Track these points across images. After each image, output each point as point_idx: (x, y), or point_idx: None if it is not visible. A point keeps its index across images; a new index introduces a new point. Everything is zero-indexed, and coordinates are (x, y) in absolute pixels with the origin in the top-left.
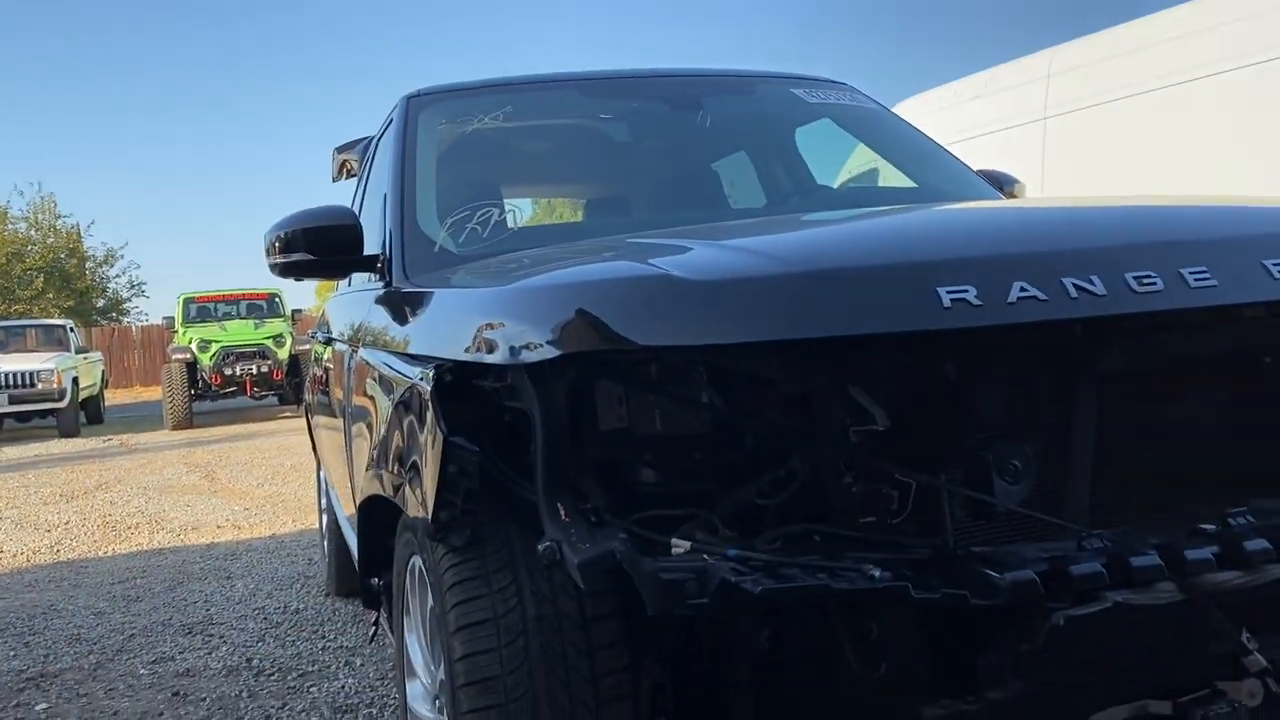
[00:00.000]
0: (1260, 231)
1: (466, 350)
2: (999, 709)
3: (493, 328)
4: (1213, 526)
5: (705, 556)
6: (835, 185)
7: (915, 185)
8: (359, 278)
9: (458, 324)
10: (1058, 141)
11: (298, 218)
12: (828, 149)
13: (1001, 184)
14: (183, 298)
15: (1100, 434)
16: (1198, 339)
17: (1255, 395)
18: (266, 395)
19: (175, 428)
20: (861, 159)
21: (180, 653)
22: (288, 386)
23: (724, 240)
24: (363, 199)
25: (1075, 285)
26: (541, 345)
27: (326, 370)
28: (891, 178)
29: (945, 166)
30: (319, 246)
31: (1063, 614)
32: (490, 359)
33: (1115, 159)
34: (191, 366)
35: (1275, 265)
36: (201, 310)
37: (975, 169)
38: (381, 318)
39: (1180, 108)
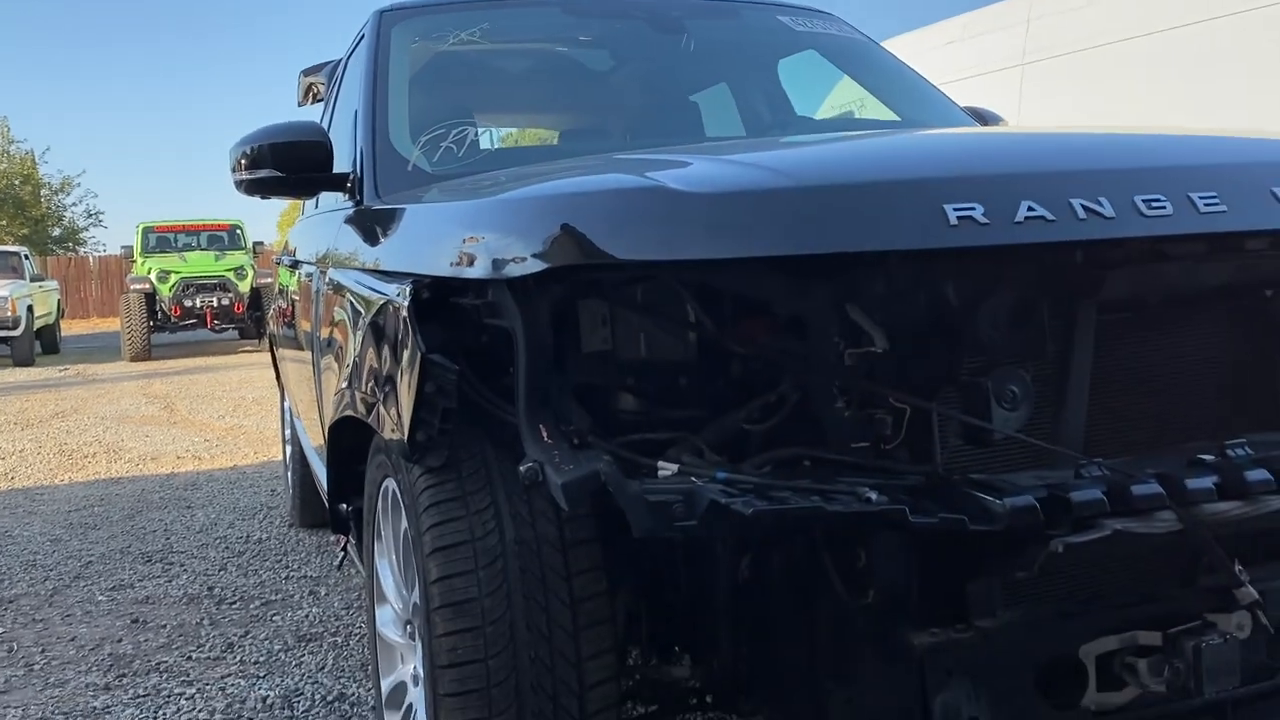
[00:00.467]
0: (1269, 159)
1: (448, 266)
2: (989, 638)
3: (474, 241)
4: (1212, 457)
5: (693, 479)
6: (816, 119)
7: (898, 119)
8: (327, 199)
9: (436, 239)
10: (1036, 88)
11: (265, 133)
12: (811, 81)
13: (987, 122)
14: (141, 227)
15: (1100, 362)
16: (1200, 270)
17: (1254, 328)
18: (227, 328)
19: (133, 359)
20: (839, 99)
21: (140, 580)
22: (249, 320)
23: (717, 156)
24: (331, 119)
25: (1084, 206)
26: (527, 259)
27: (292, 298)
28: (875, 112)
29: (931, 101)
30: (287, 163)
31: (1061, 541)
32: (471, 274)
33: (1092, 107)
34: (150, 297)
35: None
36: (161, 240)
37: (961, 106)
38: (352, 237)
39: (1160, 57)
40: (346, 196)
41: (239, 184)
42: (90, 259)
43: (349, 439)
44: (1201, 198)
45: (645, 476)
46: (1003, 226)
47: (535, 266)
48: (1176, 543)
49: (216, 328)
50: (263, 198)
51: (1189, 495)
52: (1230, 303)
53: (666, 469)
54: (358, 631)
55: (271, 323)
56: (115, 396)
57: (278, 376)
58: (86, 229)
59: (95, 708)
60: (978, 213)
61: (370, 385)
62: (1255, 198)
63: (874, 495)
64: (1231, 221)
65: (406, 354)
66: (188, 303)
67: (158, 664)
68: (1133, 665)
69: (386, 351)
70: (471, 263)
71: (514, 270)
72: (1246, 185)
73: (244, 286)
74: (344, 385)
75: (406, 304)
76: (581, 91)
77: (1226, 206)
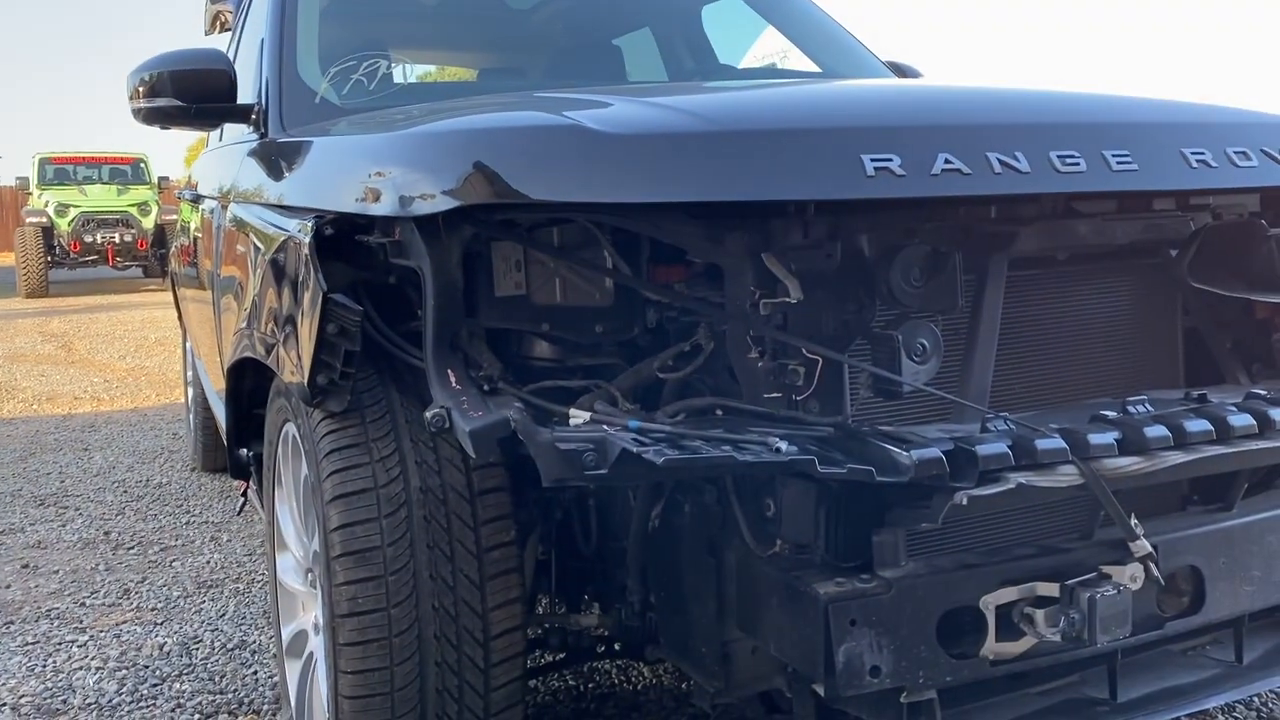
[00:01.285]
0: (1179, 120)
1: (354, 201)
2: (893, 588)
3: (381, 176)
4: (1114, 413)
5: (605, 427)
6: (739, 67)
7: (820, 70)
8: (232, 131)
9: (341, 174)
10: None
11: (165, 59)
12: (734, 29)
13: (907, 75)
14: (38, 157)
15: (1009, 317)
16: (1109, 228)
17: (1157, 287)
18: (130, 266)
19: (29, 296)
20: (763, 49)
21: (31, 524)
22: (152, 257)
23: (638, 98)
24: (237, 49)
25: (1000, 160)
26: (437, 196)
27: (194, 235)
28: (797, 63)
29: (853, 53)
30: (188, 92)
31: (965, 494)
32: (377, 210)
33: None
34: (48, 231)
35: (1194, 154)
36: (59, 172)
37: (883, 60)
38: (255, 171)
39: None
40: (251, 129)
41: (136, 112)
42: None
43: (249, 381)
44: (1114, 155)
45: (556, 424)
46: (919, 178)
47: (445, 204)
48: (1077, 496)
49: (118, 265)
50: (162, 128)
51: (1091, 450)
52: (1136, 261)
53: (578, 417)
54: (260, 578)
55: (173, 260)
56: (9, 334)
57: (179, 316)
58: None
59: None
60: (895, 164)
61: (270, 326)
62: (1165, 158)
63: (784, 445)
64: (1142, 180)
65: (308, 294)
66: (88, 238)
67: (48, 610)
68: (1030, 615)
69: (287, 291)
70: (378, 199)
71: (423, 208)
72: (1157, 146)
73: (148, 223)
74: (243, 326)
75: (308, 241)
76: (501, 29)
77: (1138, 165)
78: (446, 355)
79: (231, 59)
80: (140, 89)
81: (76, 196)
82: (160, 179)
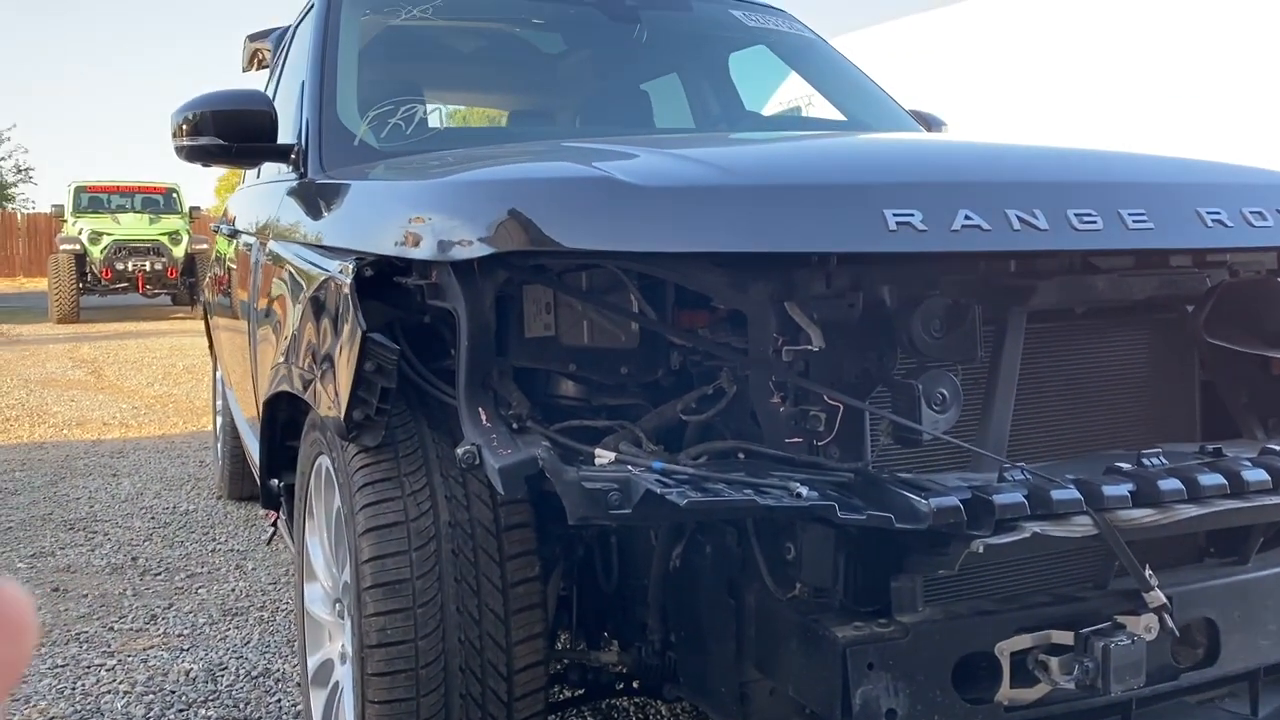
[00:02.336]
0: (1196, 180)
1: (393, 245)
2: (910, 633)
3: (421, 222)
4: (1129, 465)
5: (629, 468)
6: (763, 114)
7: (845, 119)
8: (269, 169)
9: (382, 217)
10: None
11: (209, 99)
12: (760, 76)
13: (931, 125)
14: (74, 186)
15: (1027, 369)
16: (1125, 283)
17: (1173, 343)
18: (159, 294)
19: (60, 321)
20: (788, 95)
21: (61, 548)
22: (182, 286)
23: (666, 150)
24: (276, 88)
25: (1019, 217)
26: (474, 242)
27: (229, 267)
28: (822, 111)
29: (877, 103)
30: (230, 131)
31: (982, 542)
32: (416, 254)
33: None
34: (80, 258)
35: (1209, 213)
36: (94, 200)
37: (906, 109)
38: (295, 210)
39: None
40: (290, 168)
41: (179, 150)
42: (18, 216)
43: (284, 414)
44: (1130, 214)
45: (582, 463)
46: (940, 233)
47: (482, 250)
48: (1092, 546)
49: (148, 293)
50: (204, 165)
51: (1105, 501)
52: (1152, 316)
53: (604, 457)
54: (284, 607)
55: (207, 290)
56: (40, 359)
57: (210, 345)
58: (15, 185)
59: None
60: (916, 219)
61: (308, 361)
62: (1181, 217)
63: (805, 490)
64: (1158, 238)
65: (346, 331)
66: (119, 265)
67: (78, 634)
68: (1045, 663)
69: (326, 328)
70: (417, 243)
71: (460, 253)
72: (1173, 204)
73: (178, 252)
74: (281, 360)
75: (349, 281)
76: (533, 74)
77: (1154, 224)
78: (478, 394)
79: (271, 96)
80: (184, 127)
81: (110, 224)
82: (191, 209)
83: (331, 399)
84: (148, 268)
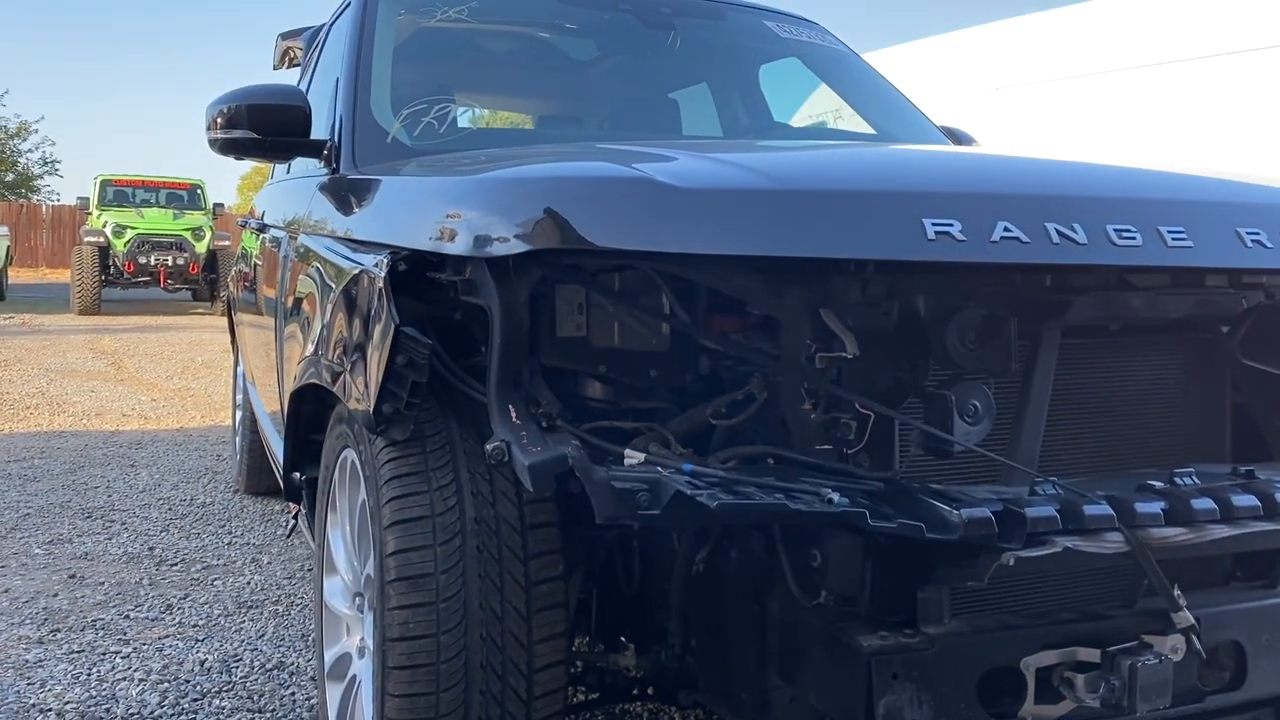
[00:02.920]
0: (1236, 200)
1: (428, 240)
2: (936, 644)
3: (457, 217)
4: (1161, 484)
5: (659, 469)
6: (792, 125)
7: (874, 132)
8: (300, 165)
9: (417, 212)
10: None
11: (244, 93)
12: (790, 88)
13: (960, 141)
14: (99, 179)
15: (1060, 384)
16: (1162, 301)
17: (1208, 363)
18: (181, 289)
19: (82, 312)
20: (816, 107)
21: (79, 536)
22: (203, 282)
23: (703, 153)
24: (309, 86)
25: (1058, 231)
26: (510, 239)
27: (255, 262)
28: (851, 124)
29: (908, 117)
30: (264, 125)
31: (1013, 555)
32: (452, 249)
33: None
34: (104, 251)
35: (1249, 233)
36: (119, 194)
37: (937, 125)
38: (327, 205)
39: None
40: (322, 164)
41: (213, 142)
42: (43, 207)
43: (309, 407)
44: (1170, 232)
45: (612, 464)
46: (978, 244)
47: (518, 247)
48: (1122, 564)
49: (170, 288)
50: (236, 158)
51: (1138, 519)
52: (1187, 336)
53: (634, 457)
54: (300, 601)
55: (231, 285)
56: (61, 349)
57: (233, 340)
58: (41, 177)
59: (28, 661)
60: (955, 229)
61: (338, 354)
62: (1220, 236)
63: (836, 496)
64: (1196, 257)
65: (379, 325)
66: (142, 260)
67: (94, 621)
68: (1071, 680)
69: (357, 321)
70: (453, 238)
71: (496, 249)
72: (1213, 223)
73: (201, 247)
74: (309, 353)
75: (383, 275)
76: (564, 79)
77: (1193, 242)
78: (509, 391)
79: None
80: (218, 120)
81: (134, 219)
82: (215, 205)
83: (361, 392)
84: (170, 262)
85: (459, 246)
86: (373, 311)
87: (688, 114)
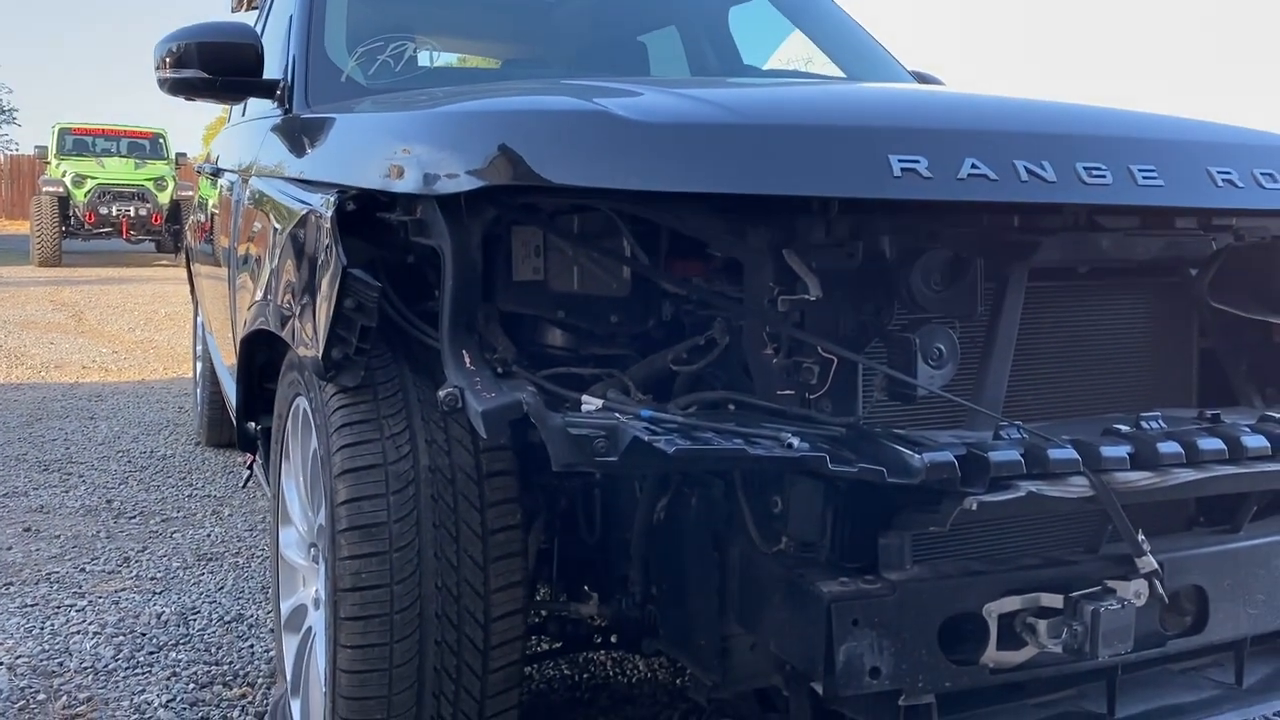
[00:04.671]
0: (1207, 139)
1: (378, 178)
2: (896, 590)
3: (406, 154)
4: (1127, 428)
5: (617, 415)
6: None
7: (844, 75)
8: (255, 106)
9: (366, 150)
10: None
11: (194, 30)
12: (760, 31)
13: (930, 84)
14: (58, 127)
15: (1026, 327)
16: (1130, 243)
17: (1175, 306)
18: (143, 240)
19: (42, 264)
20: (787, 53)
21: (35, 489)
22: (166, 233)
23: (668, 88)
24: (265, 25)
25: (1026, 168)
26: (460, 176)
27: (211, 211)
28: (821, 68)
29: (879, 61)
30: (215, 64)
31: (975, 499)
32: (400, 187)
33: None
34: (64, 201)
35: (1220, 173)
36: (78, 143)
37: (908, 68)
38: (278, 146)
39: None
40: (275, 104)
41: (162, 82)
42: (1, 157)
43: (261, 355)
44: (1140, 170)
45: (569, 410)
46: (945, 181)
47: (469, 184)
48: (1086, 508)
49: (132, 238)
50: (187, 99)
51: (1103, 462)
52: (1156, 279)
53: (591, 403)
54: (260, 553)
55: (189, 235)
56: (20, 301)
57: (192, 291)
58: None
59: None
60: (921, 166)
61: (287, 298)
62: (1191, 175)
63: (796, 441)
64: (1167, 196)
65: (327, 268)
66: (103, 210)
67: (48, 574)
68: (1033, 625)
69: (306, 264)
70: (401, 175)
71: (446, 187)
72: (1184, 162)
73: (163, 198)
74: (259, 298)
75: (330, 215)
76: (527, 20)
77: (1164, 181)
78: (462, 336)
79: (260, 33)
80: (167, 59)
81: (94, 168)
82: (178, 155)
83: (310, 337)
84: (132, 213)
85: (408, 184)
86: (321, 253)
87: (656, 57)
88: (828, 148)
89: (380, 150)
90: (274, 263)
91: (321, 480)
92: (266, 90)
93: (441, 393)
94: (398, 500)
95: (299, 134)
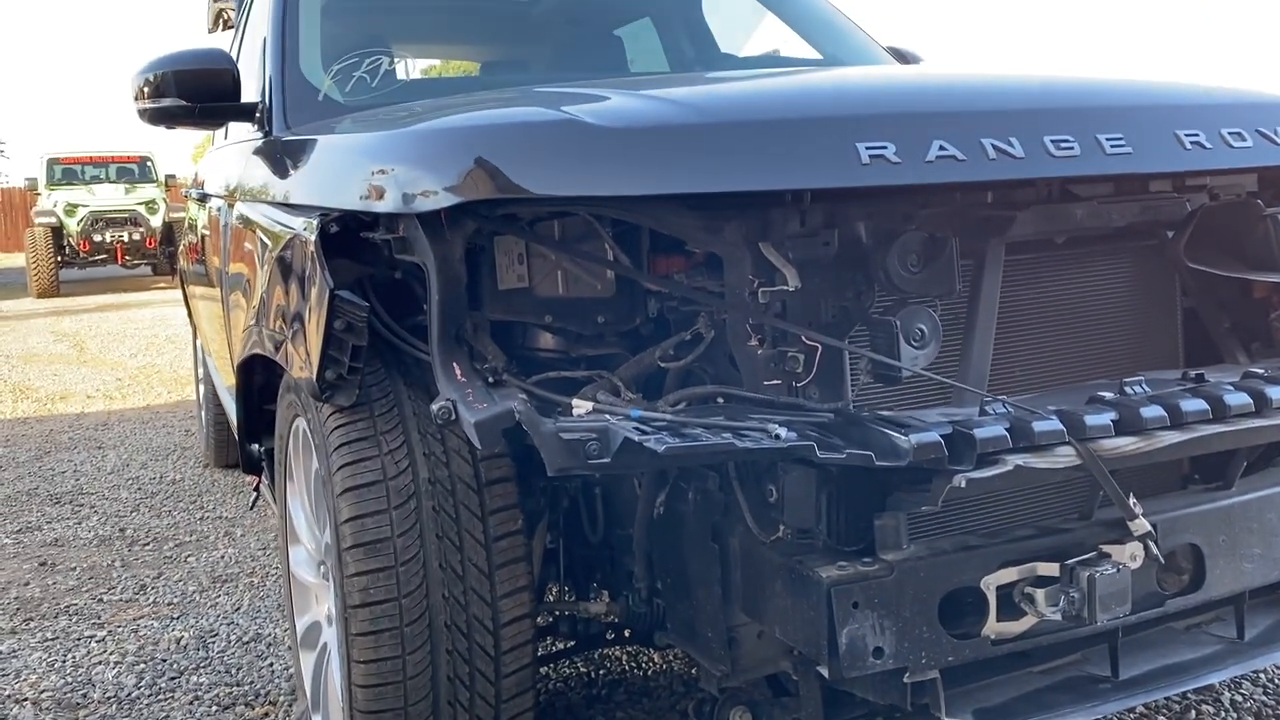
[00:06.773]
0: (1173, 102)
1: (358, 199)
2: (894, 570)
3: (384, 174)
4: (1111, 394)
5: (608, 417)
6: (740, 56)
7: (821, 57)
8: (236, 130)
9: (345, 171)
10: None
11: (169, 60)
12: (735, 17)
13: (909, 62)
14: (46, 158)
15: (1006, 301)
16: (1104, 211)
17: (1154, 270)
18: (139, 264)
19: (40, 295)
20: (764, 37)
21: (48, 522)
22: (161, 255)
23: (636, 91)
24: (240, 47)
25: (994, 146)
26: (438, 192)
27: (201, 233)
28: (798, 50)
29: (854, 41)
30: (192, 92)
31: (964, 476)
32: (380, 207)
33: None
34: (57, 231)
35: (1188, 135)
36: (67, 172)
37: (885, 46)
38: (260, 169)
39: None
40: (255, 127)
41: (142, 113)
42: None
43: (259, 377)
44: (1108, 139)
45: (560, 414)
46: (914, 165)
47: (446, 200)
48: (1076, 477)
49: (128, 263)
50: (168, 128)
51: (1088, 431)
52: (1132, 244)
53: (581, 407)
54: (274, 572)
55: (181, 258)
56: (21, 334)
57: (189, 314)
58: None
59: (1, 652)
60: (889, 152)
61: (278, 322)
62: (1159, 140)
63: (783, 432)
64: (1136, 163)
65: (315, 290)
66: (97, 237)
67: (67, 607)
68: (1031, 595)
69: (294, 288)
70: (381, 196)
71: (424, 204)
72: (1151, 128)
73: (156, 221)
74: (252, 322)
75: (314, 238)
76: (503, 23)
77: (1132, 148)
78: (451, 348)
79: (235, 57)
80: (145, 89)
81: (85, 196)
82: (167, 176)
83: (303, 360)
84: (126, 238)
85: (388, 204)
86: (307, 276)
87: (633, 51)
88: (795, 140)
89: (359, 171)
90: (263, 287)
91: (325, 499)
92: (246, 114)
93: (435, 406)
94: (400, 514)
95: (280, 157)
